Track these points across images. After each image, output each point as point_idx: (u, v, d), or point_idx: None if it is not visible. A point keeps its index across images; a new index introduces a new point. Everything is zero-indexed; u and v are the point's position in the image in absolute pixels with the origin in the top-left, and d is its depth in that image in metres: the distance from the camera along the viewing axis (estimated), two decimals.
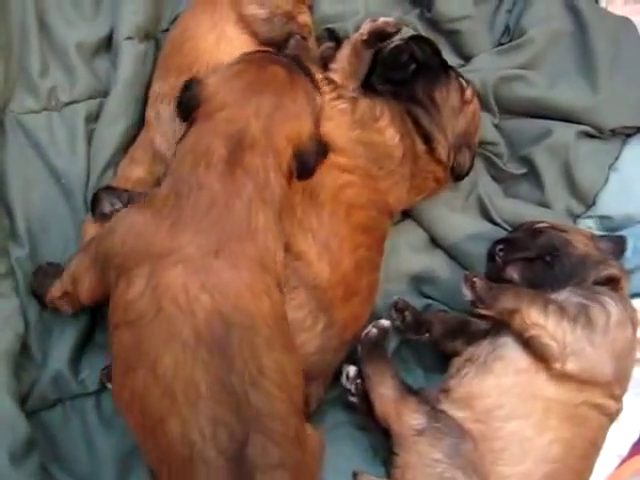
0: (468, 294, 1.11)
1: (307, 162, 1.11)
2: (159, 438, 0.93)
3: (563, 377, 1.06)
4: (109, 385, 1.17)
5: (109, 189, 1.26)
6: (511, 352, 1.11)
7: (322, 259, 1.19)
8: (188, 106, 1.09)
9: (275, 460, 0.93)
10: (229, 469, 0.90)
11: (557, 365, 1.06)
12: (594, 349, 1.06)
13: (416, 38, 1.37)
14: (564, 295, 1.13)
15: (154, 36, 1.44)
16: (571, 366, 1.05)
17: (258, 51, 1.20)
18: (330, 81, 1.28)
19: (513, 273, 1.20)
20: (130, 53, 1.37)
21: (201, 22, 1.30)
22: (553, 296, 1.13)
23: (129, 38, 1.37)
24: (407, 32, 1.47)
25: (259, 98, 1.07)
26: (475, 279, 1.11)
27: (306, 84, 1.15)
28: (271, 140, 1.06)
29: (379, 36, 1.35)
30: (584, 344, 1.06)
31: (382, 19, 1.36)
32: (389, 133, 1.27)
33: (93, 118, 1.39)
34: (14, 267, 1.24)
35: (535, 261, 1.20)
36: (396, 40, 1.35)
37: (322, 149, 1.16)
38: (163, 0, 1.44)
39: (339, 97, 1.26)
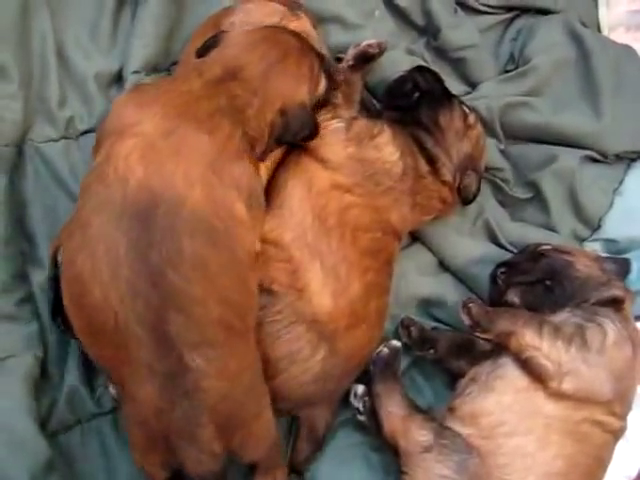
0: (466, 319, 1.22)
1: (291, 125, 1.22)
2: (86, 307, 1.02)
3: (560, 395, 1.15)
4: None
5: None
6: (510, 372, 1.20)
7: (326, 289, 1.25)
8: (206, 46, 1.24)
9: (198, 338, 1.02)
10: (155, 343, 1.00)
11: (553, 384, 1.14)
12: (589, 368, 1.15)
13: (420, 68, 1.48)
14: (563, 316, 1.23)
15: (166, 68, 1.54)
16: (567, 385, 1.14)
17: (278, 26, 1.34)
18: (328, 104, 1.36)
19: (514, 297, 1.30)
20: None
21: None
22: (552, 317, 1.22)
23: (136, 72, 1.48)
24: (415, 61, 1.58)
25: (268, 50, 1.21)
26: (471, 304, 1.21)
27: (313, 60, 1.27)
28: (263, 85, 1.18)
29: (363, 58, 1.49)
30: (579, 363, 1.15)
31: (365, 42, 1.49)
32: (388, 149, 1.35)
33: None
34: (34, 292, 1.33)
35: (535, 285, 1.30)
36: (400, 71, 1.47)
37: (310, 126, 1.27)
38: (174, 34, 1.54)
39: (334, 117, 1.36)
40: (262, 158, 1.23)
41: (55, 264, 1.20)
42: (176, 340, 1.00)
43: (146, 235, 0.99)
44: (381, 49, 1.51)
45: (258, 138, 1.18)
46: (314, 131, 1.28)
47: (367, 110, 1.45)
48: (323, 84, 1.29)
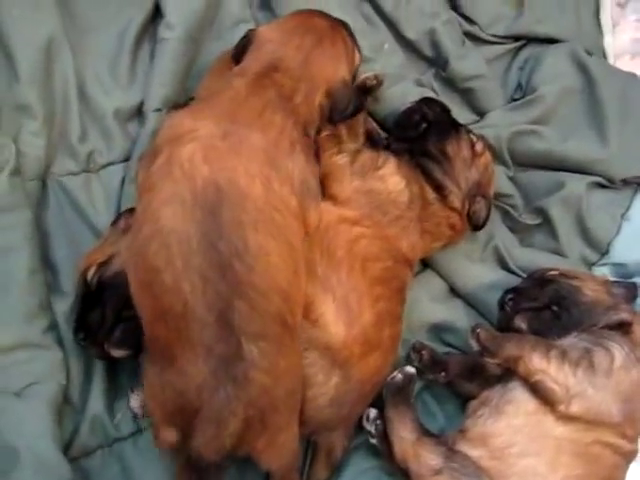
0: (474, 344, 1.27)
1: (338, 103, 1.33)
2: (156, 292, 1.10)
3: (569, 418, 1.19)
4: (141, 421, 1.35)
5: None
6: (520, 395, 1.24)
7: (339, 319, 1.29)
8: (240, 48, 1.34)
9: (257, 329, 1.11)
10: (219, 328, 1.09)
11: (562, 407, 1.19)
12: (596, 391, 1.19)
13: (427, 100, 1.55)
14: (570, 340, 1.28)
15: (184, 104, 1.58)
16: (575, 408, 1.18)
17: (305, 10, 1.44)
18: (333, 137, 1.43)
19: (521, 323, 1.35)
20: (153, 125, 1.53)
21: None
22: (560, 342, 1.27)
23: (157, 110, 1.55)
24: (424, 93, 1.65)
25: (301, 38, 1.31)
26: (479, 330, 1.26)
27: (346, 37, 1.40)
28: (306, 71, 1.28)
29: (363, 90, 1.54)
30: (586, 386, 1.19)
31: (363, 75, 1.55)
32: (393, 180, 1.42)
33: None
34: (58, 321, 1.39)
35: (542, 311, 1.35)
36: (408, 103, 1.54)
37: (355, 101, 1.38)
38: (191, 70, 1.62)
39: (340, 152, 1.43)
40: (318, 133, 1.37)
41: (85, 282, 1.30)
42: (238, 328, 1.09)
43: (216, 228, 1.09)
44: (379, 81, 1.58)
45: (310, 122, 1.29)
46: (360, 106, 1.39)
47: (373, 141, 1.51)
48: (357, 55, 1.41)
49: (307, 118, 1.28)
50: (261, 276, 1.11)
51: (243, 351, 1.10)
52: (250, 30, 1.37)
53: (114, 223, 1.42)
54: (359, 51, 1.45)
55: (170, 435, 1.17)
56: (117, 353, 1.30)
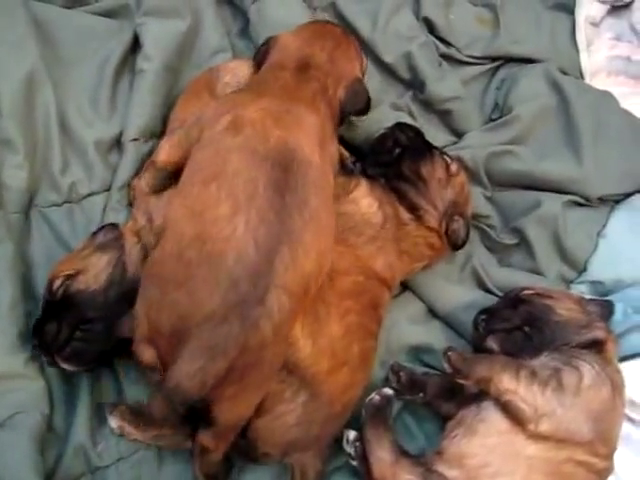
0: (447, 367, 1.31)
1: (352, 98, 1.47)
2: (206, 218, 1.18)
3: (540, 437, 1.23)
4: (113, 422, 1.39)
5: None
6: (493, 415, 1.28)
7: (305, 331, 1.31)
8: (263, 52, 1.50)
9: (288, 281, 1.18)
10: (257, 265, 1.15)
11: (531, 427, 1.22)
12: (565, 410, 1.23)
13: (400, 125, 1.60)
14: (541, 360, 1.31)
15: (162, 133, 1.65)
16: (544, 427, 1.22)
17: (317, 20, 1.63)
18: None
19: (493, 344, 1.39)
20: (132, 154, 1.61)
21: (192, 110, 1.53)
22: (530, 362, 1.31)
23: (134, 139, 1.62)
24: (399, 117, 1.71)
25: (323, 40, 1.48)
26: (450, 353, 1.30)
27: (356, 43, 1.57)
28: (332, 68, 1.44)
29: None
30: (555, 406, 1.23)
31: None
32: (365, 201, 1.48)
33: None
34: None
35: (514, 332, 1.38)
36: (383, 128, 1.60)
37: (366, 97, 1.50)
38: (169, 100, 1.68)
39: None
40: None
41: (50, 290, 1.36)
42: (274, 272, 1.16)
43: (285, 179, 1.21)
44: None
45: (335, 114, 1.43)
46: (368, 103, 1.51)
47: (343, 167, 1.55)
48: (364, 60, 1.58)
49: (335, 109, 1.43)
50: (311, 234, 1.22)
51: (267, 297, 1.15)
52: (270, 37, 1.52)
53: (94, 234, 1.47)
54: (365, 56, 1.59)
55: (149, 354, 1.22)
56: (67, 367, 1.36)
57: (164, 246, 1.23)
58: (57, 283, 1.36)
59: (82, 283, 1.36)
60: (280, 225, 1.18)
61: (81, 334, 1.34)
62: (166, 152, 1.41)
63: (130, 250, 1.43)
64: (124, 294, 1.37)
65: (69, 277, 1.37)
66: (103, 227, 1.48)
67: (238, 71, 1.59)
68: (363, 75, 1.55)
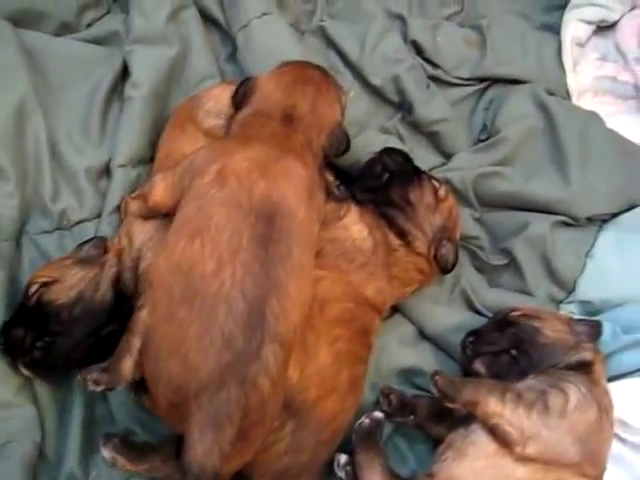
0: (434, 390, 1.33)
1: (337, 143, 1.50)
2: (194, 275, 1.21)
3: (527, 459, 1.24)
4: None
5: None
6: (481, 438, 1.29)
7: (292, 361, 1.29)
8: (243, 94, 1.50)
9: (281, 331, 1.21)
10: (248, 315, 1.18)
11: (518, 449, 1.24)
12: (551, 432, 1.24)
13: (388, 150, 1.63)
14: (527, 383, 1.33)
15: (150, 159, 1.70)
16: (530, 449, 1.24)
17: (295, 61, 1.59)
18: None
19: (480, 367, 1.40)
20: (120, 181, 1.64)
21: (179, 142, 1.59)
22: (518, 384, 1.32)
23: (122, 166, 1.65)
24: (387, 140, 1.74)
25: (304, 87, 1.48)
26: (437, 377, 1.32)
27: (335, 83, 1.57)
28: (314, 118, 1.45)
29: None
30: (540, 428, 1.24)
31: None
32: (356, 228, 1.51)
33: None
34: (32, 378, 1.44)
35: (501, 355, 1.40)
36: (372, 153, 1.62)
37: (347, 139, 1.53)
38: (157, 126, 1.71)
39: None
40: None
41: (26, 294, 1.39)
42: (266, 323, 1.20)
43: (269, 232, 1.25)
44: None
45: (320, 161, 1.46)
46: (348, 144, 1.53)
47: (330, 194, 1.58)
48: (344, 97, 1.58)
49: (319, 158, 1.46)
50: (295, 285, 1.25)
51: (262, 351, 1.18)
52: (247, 78, 1.54)
53: (80, 245, 1.50)
54: (344, 93, 1.60)
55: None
56: (25, 372, 1.39)
57: (155, 308, 1.26)
58: (33, 288, 1.40)
59: (54, 293, 1.39)
60: (265, 277, 1.21)
61: (42, 344, 1.36)
62: (160, 195, 1.42)
63: (107, 271, 1.45)
64: (88, 315, 1.40)
65: (45, 284, 1.40)
66: (91, 239, 1.51)
67: (220, 98, 1.60)
68: (344, 110, 1.57)
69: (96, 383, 1.27)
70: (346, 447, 1.43)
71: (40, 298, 1.38)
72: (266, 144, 1.36)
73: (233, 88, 1.57)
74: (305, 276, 1.30)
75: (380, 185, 1.57)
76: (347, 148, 1.53)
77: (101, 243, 1.49)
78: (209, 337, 1.17)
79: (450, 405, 1.33)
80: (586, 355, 1.40)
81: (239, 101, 1.50)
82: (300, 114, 1.44)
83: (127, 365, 1.30)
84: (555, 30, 2.05)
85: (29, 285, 1.41)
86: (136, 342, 1.31)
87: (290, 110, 1.44)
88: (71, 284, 1.41)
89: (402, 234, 1.53)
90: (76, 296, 1.40)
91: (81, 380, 1.27)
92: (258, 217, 1.25)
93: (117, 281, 1.44)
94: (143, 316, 1.32)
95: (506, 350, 1.40)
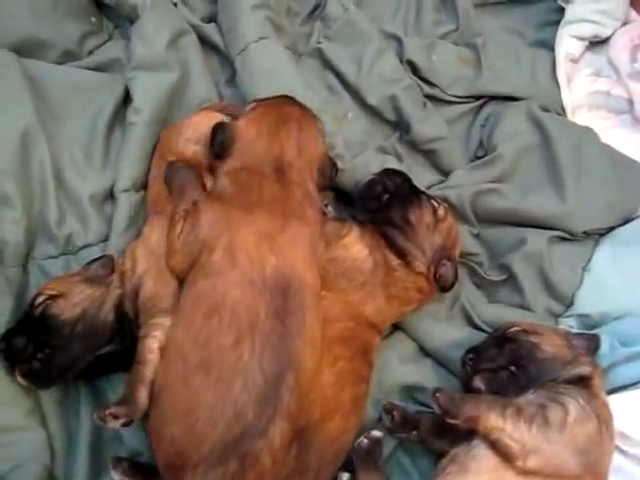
0: (435, 407, 1.35)
1: (327, 174, 1.51)
2: (211, 347, 1.23)
3: (529, 473, 1.26)
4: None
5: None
6: (483, 452, 1.31)
7: None
8: (223, 145, 1.46)
9: (292, 407, 1.23)
10: (263, 388, 1.20)
11: (519, 463, 1.26)
12: (551, 446, 1.26)
13: (387, 171, 1.65)
14: (527, 398, 1.35)
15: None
16: (531, 463, 1.26)
17: (269, 99, 1.57)
18: None
19: (480, 384, 1.43)
20: (125, 205, 1.67)
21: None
22: (518, 399, 1.35)
23: (126, 190, 1.68)
24: (385, 160, 1.78)
25: (287, 128, 1.47)
26: (438, 394, 1.34)
27: (313, 117, 1.56)
28: (302, 159, 1.45)
29: None
30: (540, 442, 1.26)
31: None
32: (356, 248, 1.53)
33: None
34: (41, 402, 1.48)
35: (500, 371, 1.42)
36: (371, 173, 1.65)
37: (334, 163, 1.55)
38: None
39: None
40: None
41: (32, 304, 1.41)
42: (280, 399, 1.21)
43: (285, 305, 1.27)
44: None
45: (316, 201, 1.47)
46: (336, 170, 1.56)
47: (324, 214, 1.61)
48: (320, 124, 1.58)
49: (315, 198, 1.46)
50: (309, 354, 1.28)
51: (271, 427, 1.20)
52: (223, 124, 1.50)
53: (89, 264, 1.53)
54: (320, 122, 1.61)
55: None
56: (20, 381, 1.40)
57: (168, 369, 1.28)
58: (39, 299, 1.42)
59: (59, 308, 1.41)
60: (284, 350, 1.24)
61: (42, 356, 1.38)
62: (176, 263, 1.40)
63: (112, 292, 1.47)
64: (89, 332, 1.42)
65: (52, 297, 1.42)
66: (100, 258, 1.54)
67: (200, 125, 1.62)
68: (324, 138, 1.58)
69: (115, 417, 1.25)
70: (349, 465, 1.45)
71: (45, 310, 1.40)
72: (269, 211, 1.36)
73: (212, 114, 1.62)
74: (318, 344, 1.33)
75: (380, 206, 1.59)
76: (336, 173, 1.56)
77: (109, 262, 1.52)
78: (221, 408, 1.19)
79: (451, 421, 1.35)
80: (584, 369, 1.42)
81: (218, 150, 1.48)
82: (289, 161, 1.44)
83: (143, 395, 1.30)
84: (549, 46, 2.09)
85: (36, 296, 1.43)
86: (147, 372, 1.32)
87: (279, 160, 1.43)
88: (76, 301, 1.43)
89: (402, 254, 1.55)
90: (80, 313, 1.42)
91: (98, 419, 1.26)
92: (273, 292, 1.27)
93: (120, 302, 1.47)
94: (149, 345, 1.34)
95: (505, 366, 1.43)
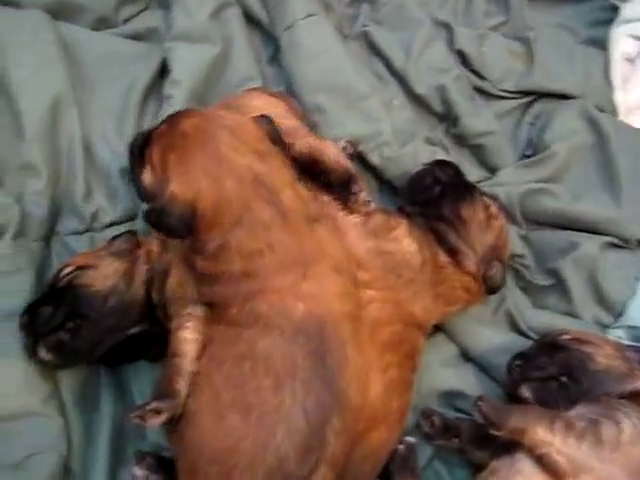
0: (478, 417, 1.27)
1: (276, 135, 1.28)
2: (246, 388, 1.14)
3: None
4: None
5: None
6: (528, 467, 1.23)
7: None
8: (185, 225, 1.19)
9: (338, 451, 1.16)
10: (306, 438, 1.12)
11: None
12: (603, 465, 1.18)
13: (439, 162, 1.58)
14: (577, 411, 1.27)
15: None
16: None
17: (161, 123, 1.28)
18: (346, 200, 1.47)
19: (527, 393, 1.35)
20: None
21: None
22: (567, 413, 1.26)
23: None
24: (434, 152, 1.70)
25: (219, 149, 1.20)
26: (481, 403, 1.26)
27: (215, 113, 1.29)
28: (270, 156, 1.24)
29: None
30: (592, 460, 1.18)
31: (342, 141, 1.64)
32: (406, 241, 1.45)
33: None
34: (60, 390, 1.40)
35: (550, 381, 1.35)
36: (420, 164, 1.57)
37: (268, 121, 1.30)
38: None
39: (352, 212, 1.46)
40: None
41: (57, 275, 1.35)
42: (324, 448, 1.13)
43: (322, 346, 1.17)
44: (355, 149, 1.66)
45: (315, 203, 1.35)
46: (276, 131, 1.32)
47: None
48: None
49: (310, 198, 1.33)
50: (354, 390, 1.20)
51: (313, 476, 1.12)
52: (152, 209, 1.22)
53: (112, 240, 1.45)
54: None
55: None
56: (44, 355, 1.33)
57: (199, 397, 1.20)
58: (67, 270, 1.36)
59: (89, 278, 1.35)
60: (328, 392, 1.16)
61: (72, 325, 1.32)
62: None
63: (139, 267, 1.40)
64: (121, 308, 1.36)
65: (80, 267, 1.36)
66: (122, 234, 1.46)
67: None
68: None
69: (158, 412, 1.16)
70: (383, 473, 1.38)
71: (73, 280, 1.34)
72: (285, 264, 1.21)
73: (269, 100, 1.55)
74: (363, 375, 1.25)
75: (431, 198, 1.52)
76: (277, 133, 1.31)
77: (132, 238, 1.45)
78: (262, 455, 1.11)
79: (495, 433, 1.27)
80: (638, 385, 1.34)
81: (181, 233, 1.23)
82: (265, 176, 1.21)
83: (182, 386, 1.21)
84: (600, 45, 2.02)
85: (63, 267, 1.37)
86: (183, 364, 1.23)
87: (243, 208, 1.19)
88: (107, 273, 1.37)
89: (452, 251, 1.47)
90: (111, 286, 1.36)
91: (137, 418, 1.15)
92: (307, 335, 1.17)
93: (150, 279, 1.40)
94: (184, 336, 1.27)
95: (555, 376, 1.35)
